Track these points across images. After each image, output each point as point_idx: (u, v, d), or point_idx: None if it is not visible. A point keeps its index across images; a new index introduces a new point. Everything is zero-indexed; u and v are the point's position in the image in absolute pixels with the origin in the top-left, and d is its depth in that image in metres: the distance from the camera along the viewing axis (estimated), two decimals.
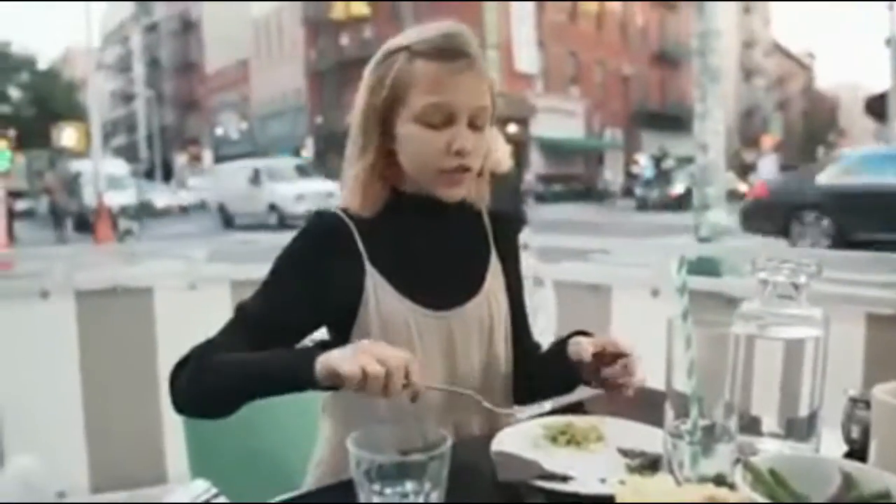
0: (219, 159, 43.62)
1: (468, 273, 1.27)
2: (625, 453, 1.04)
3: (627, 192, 27.80)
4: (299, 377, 1.02)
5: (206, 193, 21.20)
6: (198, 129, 47.02)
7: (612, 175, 31.33)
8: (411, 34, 1.18)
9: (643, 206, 23.07)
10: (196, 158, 46.40)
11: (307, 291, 1.16)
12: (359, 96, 1.21)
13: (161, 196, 28.68)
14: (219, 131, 43.36)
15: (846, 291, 2.20)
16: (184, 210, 28.20)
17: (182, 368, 1.11)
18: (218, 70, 43.51)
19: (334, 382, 0.99)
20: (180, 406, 1.13)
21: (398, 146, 1.19)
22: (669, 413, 0.90)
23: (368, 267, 1.18)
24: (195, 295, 2.90)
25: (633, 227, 15.94)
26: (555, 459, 1.02)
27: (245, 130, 41.59)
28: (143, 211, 25.06)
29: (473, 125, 1.17)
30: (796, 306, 1.01)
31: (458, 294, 1.24)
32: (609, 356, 1.18)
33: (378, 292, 1.17)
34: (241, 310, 1.16)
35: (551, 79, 33.10)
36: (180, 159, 47.08)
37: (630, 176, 32.31)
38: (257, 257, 2.28)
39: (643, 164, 29.28)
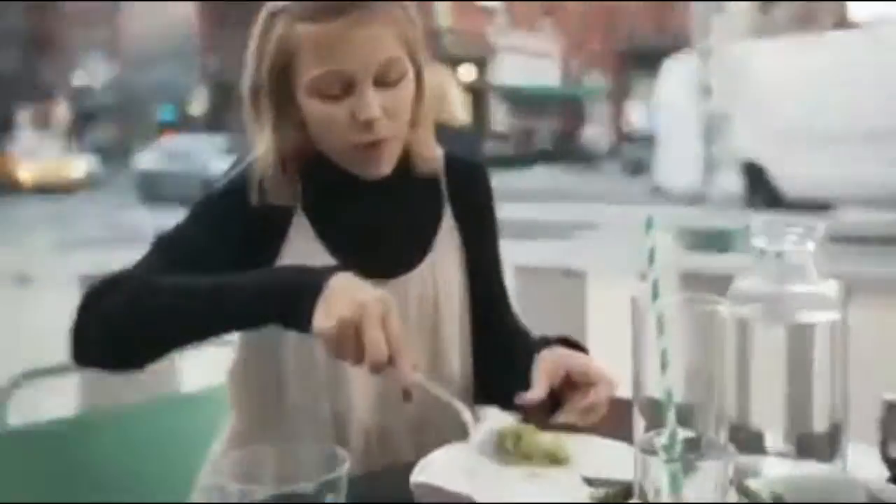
0: (79, 116, 42.73)
1: (409, 242, 1.31)
2: (589, 482, 1.04)
3: (616, 151, 28.07)
4: (300, 307, 1.04)
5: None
6: (51, 75, 45.89)
7: (596, 131, 31.62)
8: None
9: (637, 169, 23.32)
10: (44, 115, 45.30)
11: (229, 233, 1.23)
12: (246, 65, 1.27)
13: None
14: (78, 80, 42.39)
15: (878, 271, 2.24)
16: None
17: (99, 299, 1.14)
18: None
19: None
20: (96, 344, 1.15)
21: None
22: (640, 423, 0.90)
23: (298, 211, 1.26)
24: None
25: (623, 195, 16.12)
26: (498, 489, 1.02)
27: (113, 78, 40.72)
28: None
29: (384, 83, 1.21)
30: (804, 281, 1.01)
31: (392, 266, 1.27)
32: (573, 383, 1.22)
33: (301, 243, 1.25)
34: (161, 239, 1.24)
35: (517, 11, 33.13)
36: (23, 116, 45.89)
37: (620, 132, 32.69)
38: None
39: (636, 117, 29.65)
